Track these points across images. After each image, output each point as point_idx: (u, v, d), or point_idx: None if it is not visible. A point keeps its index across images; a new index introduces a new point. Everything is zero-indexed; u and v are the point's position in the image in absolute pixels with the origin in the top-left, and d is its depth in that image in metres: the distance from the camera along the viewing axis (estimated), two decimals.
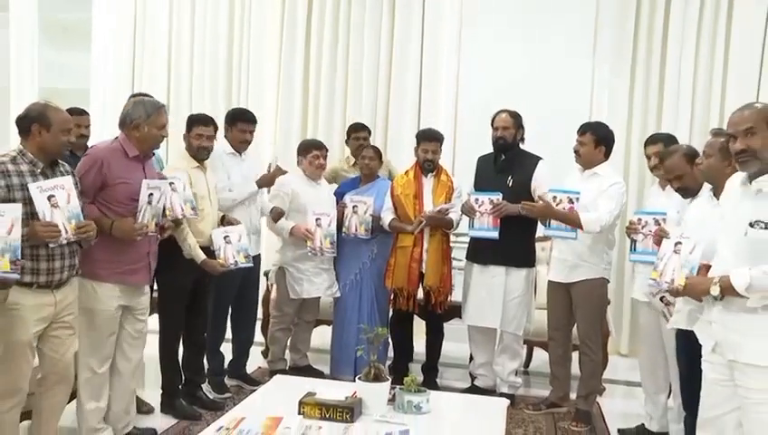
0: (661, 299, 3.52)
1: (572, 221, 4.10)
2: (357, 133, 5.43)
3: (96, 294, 3.44)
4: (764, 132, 2.64)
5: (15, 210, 2.64)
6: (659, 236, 3.30)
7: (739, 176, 2.81)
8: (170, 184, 3.65)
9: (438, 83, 6.30)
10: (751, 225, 2.62)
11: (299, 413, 2.90)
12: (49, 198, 2.95)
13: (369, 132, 5.44)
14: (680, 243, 3.01)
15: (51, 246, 2.98)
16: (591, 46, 5.94)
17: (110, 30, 6.80)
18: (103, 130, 3.88)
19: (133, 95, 4.18)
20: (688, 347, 3.16)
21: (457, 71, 6.24)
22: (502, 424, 2.95)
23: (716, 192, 3.14)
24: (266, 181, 4.61)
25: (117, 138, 3.61)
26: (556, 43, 5.97)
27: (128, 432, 3.75)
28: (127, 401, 3.76)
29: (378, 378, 3.04)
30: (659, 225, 3.67)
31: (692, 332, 3.06)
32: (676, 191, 3.64)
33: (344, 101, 6.44)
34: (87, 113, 4.49)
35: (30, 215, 2.93)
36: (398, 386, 3.11)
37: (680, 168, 3.53)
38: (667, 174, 3.68)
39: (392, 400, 3.06)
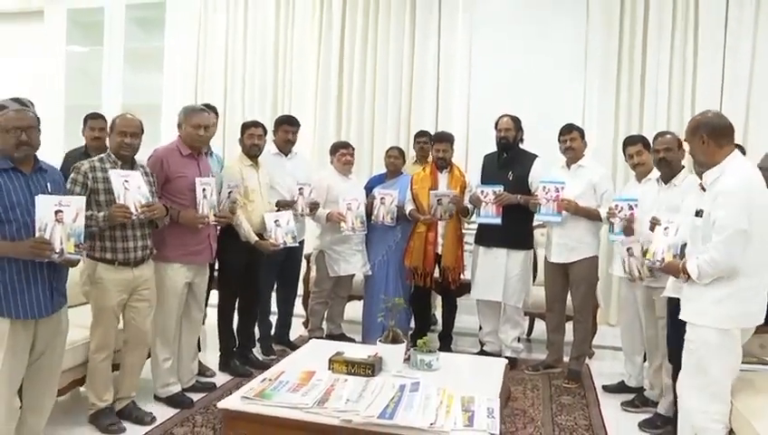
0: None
1: (591, 215, 4.15)
2: (419, 138, 5.33)
3: (167, 273, 3.54)
4: (690, 140, 2.76)
5: (80, 202, 2.68)
6: (653, 224, 3.28)
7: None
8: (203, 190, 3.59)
9: (452, 93, 6.26)
10: (696, 214, 2.72)
11: (329, 369, 2.93)
12: (123, 182, 3.06)
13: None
14: (668, 227, 3.03)
15: (123, 222, 3.09)
16: (583, 58, 5.88)
17: (178, 55, 6.89)
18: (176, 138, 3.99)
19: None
20: (672, 310, 3.16)
21: (468, 81, 6.20)
22: (499, 379, 2.95)
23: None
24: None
25: (174, 140, 3.70)
26: (551, 56, 5.93)
27: (192, 385, 3.84)
28: (191, 359, 3.86)
29: (395, 340, 3.05)
30: (632, 209, 3.70)
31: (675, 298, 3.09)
32: (658, 164, 3.63)
33: (372, 108, 6.43)
34: (102, 117, 4.47)
35: (111, 202, 3.08)
36: (413, 347, 3.12)
37: (671, 143, 3.55)
38: (657, 145, 3.62)
39: (408, 359, 3.08)
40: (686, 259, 2.73)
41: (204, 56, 6.88)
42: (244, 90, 6.77)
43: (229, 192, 3.85)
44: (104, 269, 3.17)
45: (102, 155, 3.24)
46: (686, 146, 2.89)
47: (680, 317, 2.76)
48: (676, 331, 2.93)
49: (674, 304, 3.05)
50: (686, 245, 2.89)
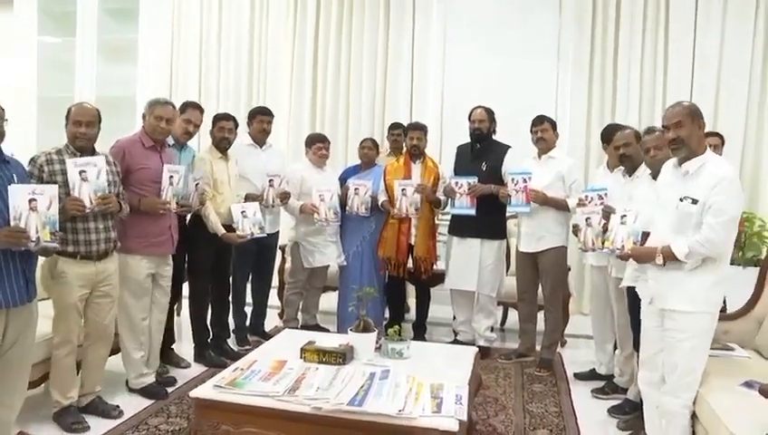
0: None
1: (559, 205, 4.21)
2: (393, 130, 5.34)
3: (129, 264, 3.50)
4: (690, 125, 2.71)
5: (53, 189, 2.67)
6: (607, 212, 3.32)
7: (671, 161, 2.88)
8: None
9: (426, 84, 6.30)
10: (681, 199, 2.71)
11: (300, 358, 2.95)
12: (80, 172, 3.01)
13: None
14: (625, 215, 3.07)
15: (76, 215, 3.02)
16: (555, 52, 5.95)
17: (152, 47, 6.79)
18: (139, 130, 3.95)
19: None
20: (632, 301, 3.24)
21: (442, 73, 6.25)
22: (469, 367, 2.97)
23: (655, 176, 3.18)
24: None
25: (138, 132, 3.67)
26: (525, 49, 5.97)
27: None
28: (156, 351, 3.83)
29: (366, 329, 3.07)
30: (602, 199, 3.71)
31: (634, 288, 3.16)
32: (620, 159, 3.68)
33: (347, 100, 6.44)
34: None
35: (67, 194, 2.99)
36: (384, 336, 3.14)
37: (629, 138, 3.61)
38: (616, 141, 3.70)
39: (379, 348, 3.10)
40: (669, 243, 2.72)
41: (178, 48, 6.84)
42: (219, 82, 6.75)
43: (196, 184, 3.84)
44: (66, 263, 3.11)
45: (61, 147, 3.16)
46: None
47: (668, 307, 2.75)
48: (635, 318, 2.99)
49: (632, 294, 3.10)
50: (647, 233, 2.94)
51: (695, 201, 2.68)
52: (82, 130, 3.14)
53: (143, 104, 3.71)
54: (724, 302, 3.43)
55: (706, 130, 4.66)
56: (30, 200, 2.53)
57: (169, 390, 3.74)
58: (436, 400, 2.49)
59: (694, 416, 2.79)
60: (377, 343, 3.11)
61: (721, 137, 4.58)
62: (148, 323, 3.68)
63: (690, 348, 2.73)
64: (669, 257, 2.72)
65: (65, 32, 7.01)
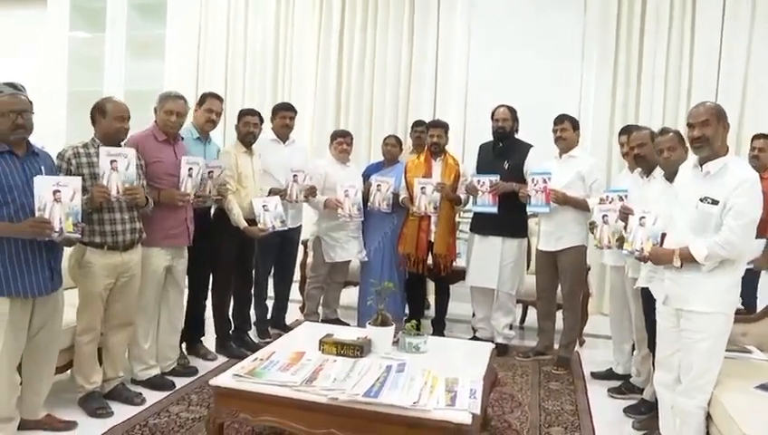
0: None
1: (579, 205, 4.20)
2: (416, 128, 5.35)
3: (148, 257, 3.57)
4: (715, 124, 2.71)
5: (76, 181, 2.76)
6: (624, 213, 3.33)
7: (691, 161, 2.89)
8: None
9: (450, 82, 6.32)
10: (701, 200, 2.73)
11: (319, 350, 3.01)
12: (111, 162, 3.10)
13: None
14: (644, 217, 3.09)
15: (102, 202, 3.10)
16: (580, 51, 5.93)
17: (179, 43, 6.95)
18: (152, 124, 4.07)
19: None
20: (647, 302, 3.25)
21: (466, 71, 6.26)
22: (485, 363, 3.02)
23: (669, 177, 3.19)
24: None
25: (151, 126, 3.74)
26: (549, 48, 5.96)
27: (172, 369, 3.89)
28: (171, 343, 3.91)
29: (384, 323, 3.12)
30: (622, 200, 3.71)
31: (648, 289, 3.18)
32: (635, 159, 3.70)
33: (371, 96, 6.49)
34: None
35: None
36: (401, 330, 3.20)
37: (644, 139, 3.61)
38: (631, 142, 3.72)
39: (396, 342, 3.15)
40: (687, 244, 2.73)
41: (204, 44, 6.94)
42: (245, 77, 6.84)
43: (209, 171, 3.86)
44: (93, 253, 3.20)
45: (87, 141, 3.25)
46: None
47: (684, 308, 2.77)
48: (649, 319, 3.01)
49: (647, 294, 3.11)
50: (664, 234, 2.96)
51: (715, 202, 2.69)
52: (126, 125, 3.26)
53: None
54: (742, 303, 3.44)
55: (756, 132, 4.74)
56: (54, 192, 2.64)
57: (191, 379, 3.84)
58: (451, 393, 2.53)
59: (708, 417, 2.80)
60: (394, 337, 3.16)
61: None
62: (157, 315, 3.77)
63: (706, 349, 2.74)
64: (687, 259, 2.73)
65: (95, 27, 7.20)
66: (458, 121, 6.13)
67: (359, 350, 2.96)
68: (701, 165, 2.80)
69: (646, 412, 3.54)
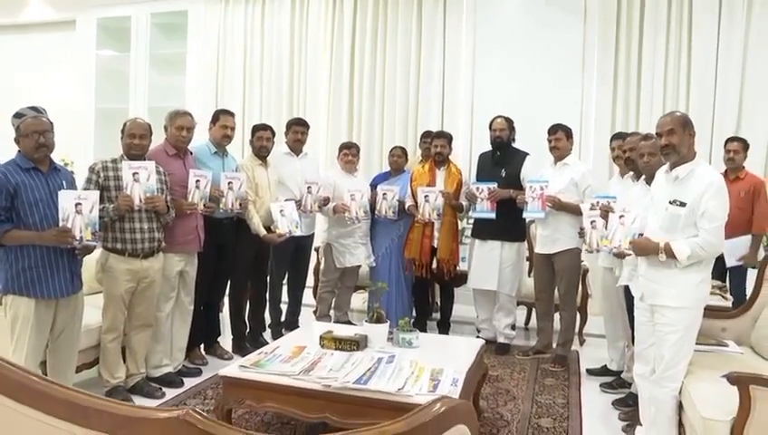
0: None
1: (573, 210, 4.38)
2: (425, 139, 5.56)
3: (163, 263, 3.89)
4: (681, 132, 2.97)
5: (95, 195, 3.14)
6: (605, 211, 3.58)
7: (664, 166, 3.14)
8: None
9: (457, 94, 6.54)
10: (670, 202, 2.98)
11: (319, 344, 3.32)
12: (133, 174, 3.49)
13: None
14: (623, 216, 3.34)
15: (127, 210, 3.47)
16: (580, 63, 6.13)
17: (199, 60, 7.33)
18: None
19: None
20: (629, 299, 3.50)
21: (472, 83, 6.46)
22: (471, 356, 3.28)
23: (649, 181, 3.44)
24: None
25: (162, 143, 4.08)
26: (551, 60, 6.16)
27: (179, 369, 4.20)
28: (180, 344, 4.22)
29: (379, 320, 3.42)
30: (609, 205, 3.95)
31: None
32: (625, 163, 4.01)
33: (382, 110, 6.75)
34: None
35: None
36: (395, 327, 3.48)
37: (634, 144, 3.82)
38: (623, 146, 4.04)
39: (391, 338, 3.45)
40: (669, 241, 2.94)
41: (223, 61, 7.31)
42: (262, 92, 7.18)
43: (229, 182, 4.19)
44: (114, 259, 3.58)
45: (116, 156, 3.67)
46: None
47: (658, 303, 3.00)
48: (631, 315, 3.26)
49: (629, 292, 3.35)
50: (641, 234, 3.21)
51: (683, 204, 2.94)
52: (136, 141, 3.63)
53: (193, 115, 4.17)
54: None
55: (730, 135, 4.96)
56: (76, 204, 2.99)
57: (205, 377, 4.16)
58: (434, 382, 2.82)
59: (681, 405, 3.04)
60: (390, 333, 3.45)
61: (745, 142, 4.80)
62: (170, 318, 4.09)
63: (676, 341, 2.97)
64: (670, 256, 2.95)
65: (121, 46, 7.63)
66: (465, 132, 6.39)
67: (355, 344, 3.26)
68: (671, 170, 3.05)
69: (633, 405, 3.74)
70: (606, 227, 3.74)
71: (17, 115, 3.07)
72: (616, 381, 4.18)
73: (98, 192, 3.23)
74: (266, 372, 2.93)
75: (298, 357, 3.11)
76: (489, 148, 5.06)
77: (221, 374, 3.01)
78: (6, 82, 7.88)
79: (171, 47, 7.50)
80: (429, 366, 2.99)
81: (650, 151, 3.47)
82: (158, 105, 6.97)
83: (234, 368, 3.01)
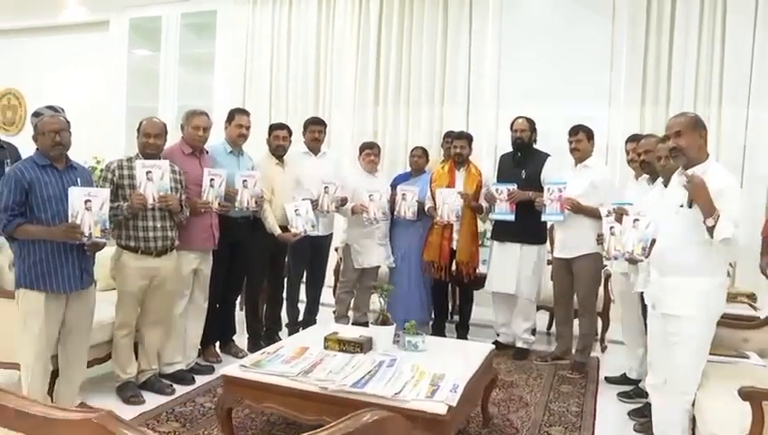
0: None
1: (593, 213, 4.27)
2: (447, 139, 5.47)
3: (178, 261, 3.91)
4: (689, 134, 2.86)
5: (105, 193, 3.15)
6: (620, 214, 3.48)
7: (679, 169, 3.03)
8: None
9: (483, 95, 6.46)
10: (681, 206, 2.87)
11: (324, 346, 3.29)
12: (147, 173, 3.52)
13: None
14: (638, 220, 3.24)
15: (140, 208, 3.52)
16: (608, 61, 5.98)
17: (228, 59, 7.39)
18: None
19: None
20: (644, 305, 3.41)
21: (498, 83, 6.37)
22: (477, 362, 3.21)
23: (666, 184, 3.34)
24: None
25: (178, 141, 4.12)
26: (578, 58, 6.04)
27: (191, 367, 4.22)
28: (193, 342, 4.25)
29: (385, 323, 3.37)
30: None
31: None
32: (641, 165, 3.97)
33: (407, 110, 6.71)
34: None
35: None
36: (401, 330, 3.43)
37: (650, 146, 3.81)
38: (638, 148, 3.98)
39: (398, 341, 3.40)
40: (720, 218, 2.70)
41: (251, 60, 7.34)
42: (288, 91, 7.19)
43: (244, 181, 4.20)
44: (127, 256, 3.63)
45: (132, 155, 3.73)
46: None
47: (668, 312, 2.90)
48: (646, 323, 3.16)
49: (642, 300, 3.24)
50: (654, 240, 3.10)
51: (690, 205, 2.82)
52: (151, 140, 3.67)
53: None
54: None
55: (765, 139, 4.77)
56: (86, 201, 3.02)
57: (217, 375, 4.14)
58: (433, 387, 2.76)
59: (694, 419, 2.92)
60: (397, 336, 3.40)
61: None
62: (184, 316, 4.11)
63: (687, 351, 2.87)
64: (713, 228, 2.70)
65: (152, 45, 7.75)
66: (491, 133, 6.31)
67: (359, 347, 3.22)
68: (683, 171, 2.95)
69: (648, 416, 3.63)
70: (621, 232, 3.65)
71: (35, 114, 3.13)
72: (633, 390, 4.06)
73: (108, 190, 3.26)
74: (265, 372, 2.92)
75: (300, 358, 3.09)
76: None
77: (222, 373, 3.01)
78: (42, 83, 8.07)
79: (200, 47, 7.59)
80: (431, 371, 2.94)
81: (668, 154, 3.35)
82: (188, 103, 7.02)
83: (234, 367, 3.00)
